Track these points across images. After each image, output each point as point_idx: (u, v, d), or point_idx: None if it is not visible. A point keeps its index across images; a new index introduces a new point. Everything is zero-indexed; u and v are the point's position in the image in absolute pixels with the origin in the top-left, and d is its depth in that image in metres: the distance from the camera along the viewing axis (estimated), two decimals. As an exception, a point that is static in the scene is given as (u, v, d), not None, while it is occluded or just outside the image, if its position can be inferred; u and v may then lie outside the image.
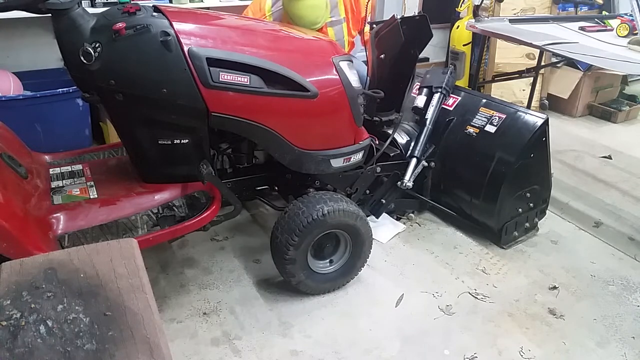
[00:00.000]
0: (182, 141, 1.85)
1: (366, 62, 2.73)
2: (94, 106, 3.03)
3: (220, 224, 2.11)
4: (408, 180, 2.45)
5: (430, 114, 2.61)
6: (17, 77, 2.93)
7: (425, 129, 2.58)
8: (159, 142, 1.84)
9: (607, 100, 4.46)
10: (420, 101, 2.69)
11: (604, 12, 4.16)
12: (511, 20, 3.14)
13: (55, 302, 1.05)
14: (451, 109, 2.68)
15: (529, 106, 3.58)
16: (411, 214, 2.78)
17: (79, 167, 2.06)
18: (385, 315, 2.12)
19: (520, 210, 2.54)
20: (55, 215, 1.72)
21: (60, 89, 2.80)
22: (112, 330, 1.00)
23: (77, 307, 1.04)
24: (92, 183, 1.95)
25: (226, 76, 1.78)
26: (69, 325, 1.00)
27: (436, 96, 2.65)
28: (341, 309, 2.14)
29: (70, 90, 2.82)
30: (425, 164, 2.56)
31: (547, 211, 2.71)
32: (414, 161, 2.51)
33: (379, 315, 2.12)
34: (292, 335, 2.00)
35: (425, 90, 2.72)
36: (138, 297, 1.08)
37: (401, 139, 2.66)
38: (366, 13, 2.84)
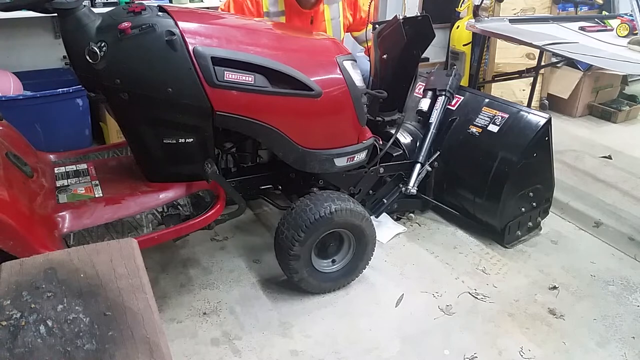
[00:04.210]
0: (187, 140, 1.86)
1: (369, 61, 2.73)
2: (94, 106, 3.04)
3: (220, 224, 2.11)
4: (412, 186, 2.46)
5: (434, 118, 2.61)
6: (17, 77, 2.93)
7: (430, 133, 2.58)
8: (164, 141, 1.84)
9: (607, 100, 4.47)
10: (424, 104, 2.70)
11: (604, 12, 4.16)
12: (511, 20, 3.14)
13: (55, 302, 1.04)
14: (454, 108, 2.69)
15: (529, 106, 3.57)
16: (411, 214, 2.78)
17: (84, 166, 2.07)
18: (385, 315, 2.12)
19: (523, 209, 2.54)
20: (60, 214, 1.73)
21: (60, 89, 2.80)
22: (112, 330, 1.00)
23: (77, 307, 1.04)
24: (97, 182, 1.95)
25: (231, 75, 1.78)
26: (69, 325, 1.00)
27: (440, 99, 2.65)
28: (341, 309, 2.14)
29: (70, 90, 2.82)
30: (429, 169, 2.56)
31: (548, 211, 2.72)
32: (417, 167, 2.51)
33: (379, 315, 2.12)
34: (292, 335, 2.00)
35: (429, 93, 2.71)
36: (138, 297, 1.08)
37: (404, 138, 2.66)
38: (368, 15, 2.84)
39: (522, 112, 2.47)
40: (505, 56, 4.13)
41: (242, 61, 1.80)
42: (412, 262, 2.44)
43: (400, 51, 2.53)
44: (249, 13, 2.64)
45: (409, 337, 2.01)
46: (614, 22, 3.04)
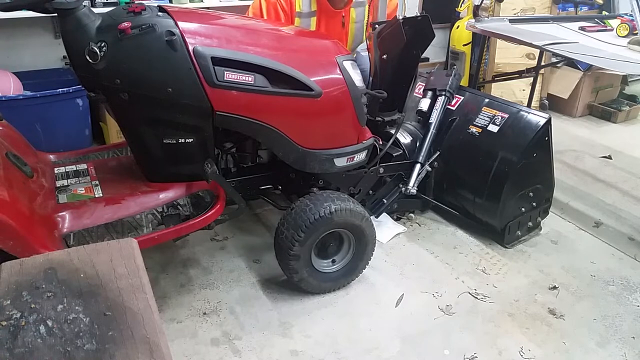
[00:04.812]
0: (187, 140, 1.86)
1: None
2: (94, 106, 3.04)
3: (220, 224, 2.11)
4: (412, 186, 2.46)
5: (434, 118, 2.61)
6: (17, 77, 2.93)
7: (430, 133, 2.58)
8: (164, 141, 1.84)
9: (607, 100, 4.47)
10: (424, 104, 2.69)
11: (604, 12, 4.16)
12: (511, 20, 3.14)
13: (55, 302, 1.04)
14: (454, 108, 2.69)
15: (529, 106, 3.58)
16: (411, 214, 2.78)
17: (84, 166, 2.07)
18: (385, 315, 2.12)
19: (523, 209, 2.54)
20: (60, 214, 1.73)
21: (60, 89, 2.80)
22: (112, 330, 1.00)
23: (77, 307, 1.04)
24: (97, 182, 1.95)
25: (231, 75, 1.79)
26: (69, 325, 1.00)
27: (440, 99, 2.65)
28: (341, 309, 2.14)
29: (70, 90, 2.82)
30: (429, 169, 2.56)
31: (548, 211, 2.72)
32: (417, 167, 2.51)
33: (379, 315, 2.12)
34: (292, 335, 2.00)
35: (429, 93, 2.71)
36: (138, 297, 1.08)
37: (404, 139, 2.66)
38: (369, 14, 2.84)
39: (522, 112, 2.47)
40: (505, 56, 4.13)
41: (242, 61, 1.81)
42: (412, 262, 2.44)
43: (400, 51, 2.53)
44: (283, 13, 2.63)
45: (409, 337, 2.01)
46: (614, 22, 3.04)
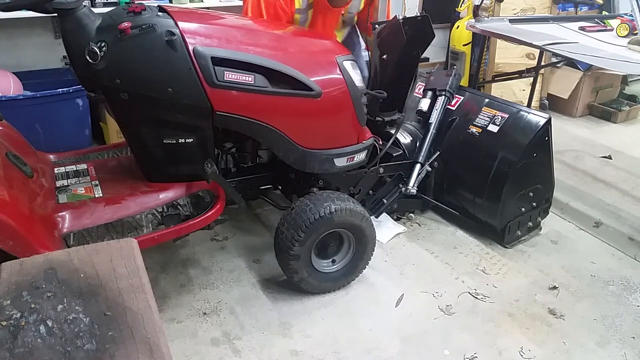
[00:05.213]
0: (186, 140, 1.86)
1: (368, 62, 2.73)
2: (94, 106, 3.04)
3: (220, 224, 2.11)
4: (412, 186, 2.46)
5: (434, 118, 2.61)
6: (18, 77, 2.93)
7: (429, 133, 2.59)
8: (164, 141, 1.84)
9: (607, 100, 4.47)
10: (424, 104, 2.70)
11: (604, 12, 4.16)
12: (511, 20, 3.14)
13: (55, 302, 1.04)
14: (454, 108, 2.69)
15: (529, 106, 3.58)
16: (411, 214, 2.78)
17: (84, 166, 2.07)
18: (385, 315, 2.12)
19: (523, 209, 2.54)
20: (60, 214, 1.73)
21: (60, 89, 2.80)
22: (112, 330, 1.00)
23: (77, 307, 1.04)
24: (97, 182, 1.95)
25: (231, 75, 1.79)
26: (69, 325, 1.00)
27: (440, 99, 2.66)
28: (341, 309, 2.14)
29: (70, 90, 2.82)
30: (429, 169, 2.56)
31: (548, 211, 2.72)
32: (417, 167, 2.51)
33: (379, 315, 2.12)
34: (292, 335, 2.00)
35: (429, 93, 2.71)
36: (138, 297, 1.08)
37: (404, 139, 2.67)
38: (369, 15, 2.84)
39: (522, 112, 2.47)
40: (505, 56, 4.13)
41: (242, 61, 1.81)
42: (412, 262, 2.44)
43: (400, 51, 2.53)
44: (282, 13, 2.62)
45: (409, 337, 2.01)
46: (614, 22, 3.04)
